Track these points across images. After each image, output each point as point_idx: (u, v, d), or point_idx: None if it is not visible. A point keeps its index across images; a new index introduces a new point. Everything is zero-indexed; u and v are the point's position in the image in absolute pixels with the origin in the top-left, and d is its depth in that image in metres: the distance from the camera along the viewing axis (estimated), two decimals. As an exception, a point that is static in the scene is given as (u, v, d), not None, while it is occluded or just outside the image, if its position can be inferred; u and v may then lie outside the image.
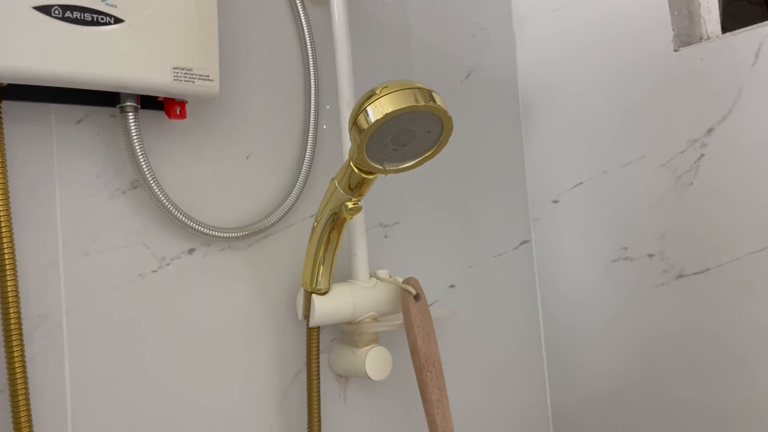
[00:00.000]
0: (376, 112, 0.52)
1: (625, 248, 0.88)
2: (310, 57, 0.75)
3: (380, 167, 0.57)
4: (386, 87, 0.53)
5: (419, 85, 0.53)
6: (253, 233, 0.69)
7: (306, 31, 0.75)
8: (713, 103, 0.78)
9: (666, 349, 0.84)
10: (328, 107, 0.78)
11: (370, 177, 0.60)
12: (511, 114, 0.99)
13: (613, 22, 0.88)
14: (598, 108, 0.90)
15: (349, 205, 0.62)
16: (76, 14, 0.52)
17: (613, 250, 0.89)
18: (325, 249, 0.67)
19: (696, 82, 0.79)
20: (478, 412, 0.90)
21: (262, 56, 0.73)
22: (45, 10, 0.50)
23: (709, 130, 0.78)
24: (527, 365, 0.96)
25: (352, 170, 0.60)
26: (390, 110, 0.51)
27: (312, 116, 0.75)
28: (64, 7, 0.51)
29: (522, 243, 0.98)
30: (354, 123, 0.54)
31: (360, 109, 0.53)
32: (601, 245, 0.91)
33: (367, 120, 0.53)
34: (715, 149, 0.78)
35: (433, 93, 0.53)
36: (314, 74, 0.75)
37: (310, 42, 0.75)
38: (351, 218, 0.64)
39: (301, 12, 0.75)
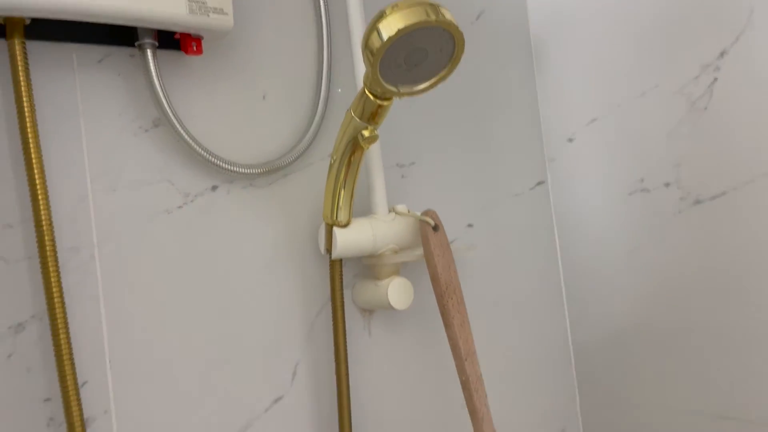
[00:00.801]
0: (387, 30, 0.53)
1: (642, 180, 0.88)
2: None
3: (394, 89, 0.58)
4: (395, 6, 0.54)
5: (429, 1, 0.54)
6: (273, 170, 0.70)
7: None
8: (724, 25, 0.78)
9: (686, 276, 0.84)
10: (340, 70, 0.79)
11: (385, 103, 0.61)
12: (522, 53, 0.99)
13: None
14: (608, 40, 0.90)
15: (366, 133, 0.63)
16: (93, -53, 0.53)
17: (629, 183, 0.89)
18: (344, 181, 0.68)
19: (706, 4, 0.79)
20: (498, 350, 0.91)
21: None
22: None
23: (722, 54, 0.78)
24: (547, 302, 0.97)
25: (367, 97, 0.61)
26: (402, 26, 0.52)
27: (326, 53, 0.76)
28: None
29: (538, 183, 0.99)
30: (366, 44, 0.55)
31: (372, 29, 0.54)
32: (617, 179, 0.91)
33: (379, 38, 0.54)
34: (728, 72, 0.78)
35: (441, 8, 0.54)
36: (326, 14, 0.76)
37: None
38: (368, 147, 0.65)
39: (309, -47, 0.76)
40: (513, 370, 0.92)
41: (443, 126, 0.89)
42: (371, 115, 0.62)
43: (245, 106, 0.72)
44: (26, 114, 0.54)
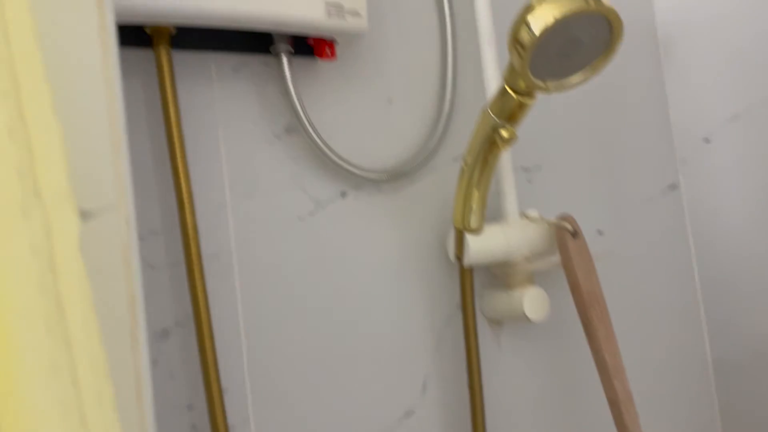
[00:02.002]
0: (541, 20, 0.50)
1: (795, 181, 0.80)
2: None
3: (542, 84, 0.55)
4: (544, -4, 0.51)
5: (582, -12, 0.50)
6: (400, 175, 0.68)
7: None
8: None
9: None
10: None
11: (528, 101, 0.58)
12: (649, 48, 0.93)
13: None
14: (748, 32, 0.83)
15: (504, 134, 0.60)
16: (238, -47, 0.53)
17: (779, 185, 0.82)
18: (478, 184, 0.65)
19: None
20: (630, 366, 0.85)
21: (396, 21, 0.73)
22: (210, -50, 0.52)
23: None
24: (682, 316, 0.90)
25: (508, 94, 0.58)
26: (559, 15, 0.49)
27: (450, 55, 0.73)
28: (227, -53, 0.53)
29: (670, 187, 0.92)
30: (516, 37, 0.52)
31: (521, 21, 0.51)
32: (761, 182, 0.83)
33: (530, 31, 0.50)
34: None
35: (600, -6, 0.50)
36: (449, 11, 0.74)
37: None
38: (506, 149, 0.62)
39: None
40: (647, 387, 0.85)
41: (568, 127, 0.84)
42: (511, 113, 0.59)
43: (372, 110, 0.70)
44: (173, 124, 0.55)
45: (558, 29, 0.50)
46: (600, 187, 0.86)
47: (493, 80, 0.70)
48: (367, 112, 0.70)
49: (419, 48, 0.74)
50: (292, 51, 0.61)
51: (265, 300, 0.62)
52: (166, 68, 0.55)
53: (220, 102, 0.62)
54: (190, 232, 0.55)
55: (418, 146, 0.72)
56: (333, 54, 0.63)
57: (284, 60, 0.61)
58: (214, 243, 0.60)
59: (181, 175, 0.55)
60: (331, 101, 0.68)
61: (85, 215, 0.32)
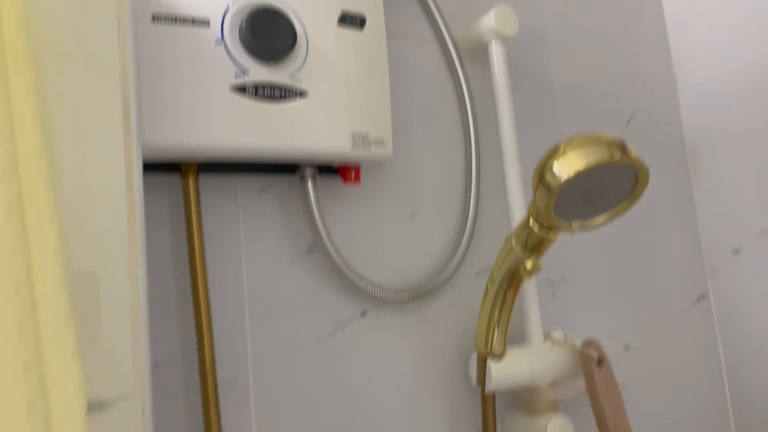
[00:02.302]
0: (566, 169, 0.49)
1: (832, 303, 0.77)
2: (470, 113, 0.74)
3: (567, 224, 0.54)
4: (571, 142, 0.51)
5: (608, 137, 0.50)
6: (422, 294, 0.68)
7: (465, 89, 0.74)
8: None
9: None
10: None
11: (552, 236, 0.57)
12: (677, 159, 0.92)
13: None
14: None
15: (528, 265, 0.59)
16: (267, 91, 0.54)
17: (815, 306, 0.79)
18: (500, 311, 0.64)
19: None
20: (661, 488, 0.81)
21: (423, 114, 0.74)
22: (240, 89, 0.53)
23: None
24: (713, 427, 0.86)
25: (531, 229, 0.57)
26: (582, 167, 0.49)
27: (473, 173, 0.74)
28: (257, 85, 0.54)
29: (699, 298, 0.89)
30: (541, 181, 0.52)
31: (547, 166, 0.51)
32: (795, 299, 0.81)
33: (555, 177, 0.50)
34: None
35: (627, 145, 0.50)
36: (474, 131, 0.74)
37: (469, 99, 0.74)
38: (529, 279, 0.61)
39: (459, 71, 0.75)
40: None
41: (594, 237, 0.83)
42: (535, 245, 0.59)
43: (395, 227, 0.70)
44: (196, 253, 0.55)
45: (583, 178, 0.50)
46: (627, 299, 0.84)
47: (516, 200, 0.70)
48: (391, 228, 0.70)
49: (444, 164, 0.74)
50: (316, 174, 0.61)
51: (280, 425, 0.60)
52: (192, 197, 0.56)
53: (245, 222, 0.62)
54: (207, 361, 0.55)
55: (441, 263, 0.72)
56: (358, 178, 0.63)
57: (309, 184, 0.61)
58: (232, 368, 0.59)
59: (202, 304, 0.55)
60: (354, 220, 0.68)
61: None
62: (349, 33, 0.60)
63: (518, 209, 0.70)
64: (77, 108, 0.34)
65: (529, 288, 0.70)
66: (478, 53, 0.76)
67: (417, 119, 0.73)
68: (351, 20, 0.60)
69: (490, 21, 0.72)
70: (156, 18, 0.51)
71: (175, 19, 0.51)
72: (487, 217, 0.75)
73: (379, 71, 0.61)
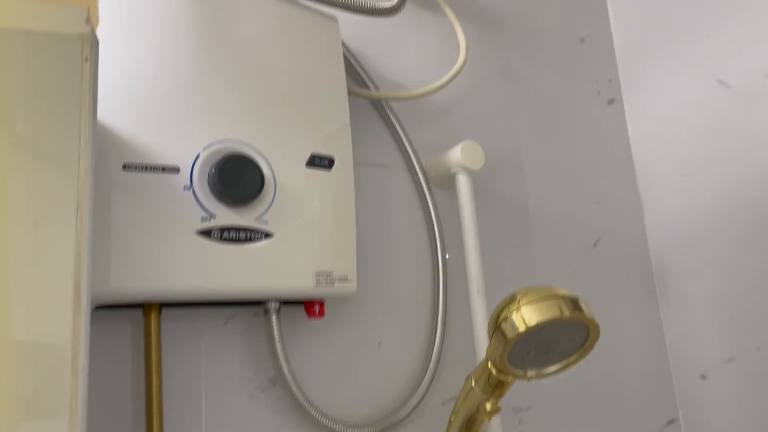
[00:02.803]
0: (518, 324, 0.51)
1: (797, 438, 0.77)
2: (438, 243, 0.76)
3: (522, 373, 0.55)
4: (526, 295, 0.52)
5: (563, 292, 0.52)
6: (387, 428, 0.67)
7: (434, 219, 0.77)
8: None
9: None
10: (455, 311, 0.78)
11: (510, 379, 0.58)
12: (644, 282, 0.94)
13: (746, 189, 0.84)
14: (743, 276, 0.84)
15: (488, 407, 0.59)
16: (233, 234, 0.56)
17: (781, 439, 0.79)
18: (462, 449, 0.63)
19: None
20: None
21: (392, 242, 0.75)
22: (206, 233, 0.55)
23: None
24: None
25: (490, 371, 0.58)
26: (534, 323, 0.50)
27: (441, 301, 0.75)
28: (223, 229, 0.56)
29: (669, 422, 0.89)
30: (496, 330, 0.53)
31: (501, 317, 0.52)
32: (756, 420, 0.80)
33: (510, 329, 0.51)
34: None
35: (579, 301, 0.51)
36: (442, 260, 0.76)
37: (438, 228, 0.77)
38: (489, 420, 0.61)
39: (429, 200, 0.77)
40: None
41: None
42: (494, 387, 0.59)
43: (361, 356, 0.70)
44: (153, 397, 0.55)
45: (536, 332, 0.51)
46: (595, 425, 0.83)
47: (481, 331, 0.71)
48: (357, 357, 0.70)
49: (412, 292, 0.75)
50: (280, 308, 0.62)
51: None
52: (153, 336, 0.56)
53: (207, 354, 0.62)
54: (158, 506, 0.54)
55: (407, 392, 0.72)
56: (322, 313, 0.64)
57: (273, 317, 0.62)
58: None
59: (155, 440, 0.55)
60: (319, 351, 0.68)
61: None
62: (318, 173, 0.62)
63: (483, 340, 0.71)
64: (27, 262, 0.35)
65: (494, 421, 0.70)
66: (448, 182, 0.79)
67: (385, 247, 0.75)
68: (320, 161, 0.62)
69: (456, 155, 0.75)
70: (127, 167, 0.53)
71: (146, 168, 0.53)
72: (454, 345, 0.75)
73: (346, 209, 0.63)
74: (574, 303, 0.51)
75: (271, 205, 0.58)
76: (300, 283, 0.59)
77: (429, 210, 0.77)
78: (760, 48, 0.83)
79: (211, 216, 0.55)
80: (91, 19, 0.40)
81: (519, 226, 0.86)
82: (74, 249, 0.36)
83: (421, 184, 0.78)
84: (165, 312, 0.61)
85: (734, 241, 0.85)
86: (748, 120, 0.84)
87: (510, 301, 0.53)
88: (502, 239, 0.83)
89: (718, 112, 0.87)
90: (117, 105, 0.53)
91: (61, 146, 0.37)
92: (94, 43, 0.39)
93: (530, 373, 0.55)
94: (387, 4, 0.74)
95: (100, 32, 0.51)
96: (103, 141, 0.52)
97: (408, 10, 0.84)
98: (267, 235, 0.58)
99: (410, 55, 0.83)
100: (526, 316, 0.51)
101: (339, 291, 0.61)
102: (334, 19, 0.69)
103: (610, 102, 1.00)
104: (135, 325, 0.60)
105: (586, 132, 0.95)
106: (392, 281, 0.74)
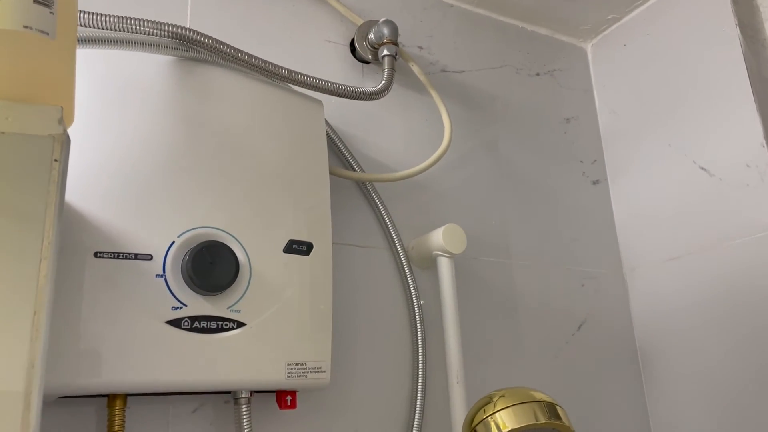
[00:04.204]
0: (493, 428, 0.49)
1: None
2: (419, 330, 0.75)
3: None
4: (503, 398, 0.51)
5: (540, 396, 0.50)
6: None
7: (416, 305, 0.76)
8: None
9: None
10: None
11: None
12: (629, 364, 0.92)
13: (731, 276, 0.83)
14: (729, 360, 0.82)
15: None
16: (203, 323, 0.55)
17: None
18: None
19: None
20: None
21: (370, 327, 0.74)
22: (176, 323, 0.53)
23: None
24: None
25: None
26: (508, 429, 0.48)
27: (419, 388, 0.73)
28: (193, 318, 0.54)
29: None
30: (471, 429, 0.51)
31: (477, 420, 0.51)
32: None
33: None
34: None
35: (556, 407, 0.50)
36: (422, 345, 0.74)
37: (419, 315, 0.75)
38: None
39: (410, 282, 0.76)
40: None
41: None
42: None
43: (334, 446, 0.68)
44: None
45: None
46: None
47: (459, 421, 0.69)
48: (329, 446, 0.68)
49: (390, 378, 0.73)
50: (250, 398, 0.60)
51: None
52: (117, 426, 0.54)
53: (173, 445, 0.60)
54: None
55: (380, 484, 0.69)
56: (294, 404, 0.62)
57: (243, 408, 0.60)
58: None
59: None
60: (291, 438, 0.66)
61: None
62: (295, 259, 0.61)
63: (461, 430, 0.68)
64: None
65: None
66: (430, 263, 0.78)
67: (363, 330, 0.73)
68: (298, 247, 0.62)
69: (438, 238, 0.74)
70: (99, 254, 0.52)
71: (118, 255, 0.52)
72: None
73: (323, 296, 0.62)
74: (551, 409, 0.50)
75: (245, 293, 0.57)
76: (271, 374, 0.57)
77: (410, 293, 0.76)
78: (742, 138, 0.84)
79: (182, 305, 0.54)
80: (64, 119, 0.40)
81: (502, 309, 0.84)
82: (27, 358, 0.35)
83: (402, 265, 0.77)
84: (131, 398, 0.59)
85: (720, 326, 0.84)
86: (730, 208, 0.84)
87: (486, 402, 0.52)
88: (484, 322, 0.82)
89: (702, 198, 0.88)
90: (92, 190, 0.53)
91: (22, 249, 0.36)
92: (65, 143, 0.39)
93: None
94: (372, 89, 0.75)
95: (78, 115, 0.51)
96: (75, 227, 0.52)
97: (394, 90, 0.85)
98: (239, 325, 0.56)
99: (395, 134, 0.84)
100: (500, 422, 0.49)
101: (312, 383, 0.60)
102: (318, 103, 0.69)
103: (595, 182, 1.00)
104: (100, 409, 0.58)
105: (571, 212, 0.96)
106: (369, 366, 0.73)
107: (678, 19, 0.94)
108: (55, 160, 0.38)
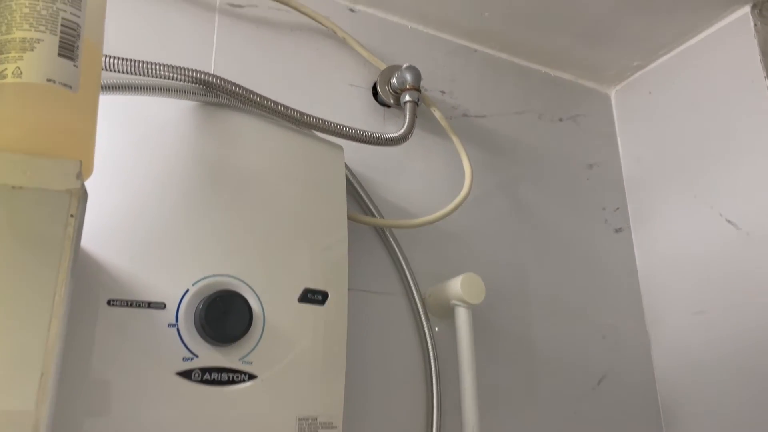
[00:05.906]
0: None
1: None
2: (434, 382, 0.73)
3: None
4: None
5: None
6: None
7: (432, 356, 0.74)
8: None
9: None
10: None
11: None
12: (651, 424, 0.89)
13: (758, 333, 0.80)
14: (754, 419, 0.79)
15: None
16: (215, 375, 0.53)
17: None
18: None
19: None
20: None
21: (384, 377, 0.72)
22: (186, 374, 0.52)
23: None
24: None
25: None
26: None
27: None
28: (204, 370, 0.53)
29: None
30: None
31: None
32: None
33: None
34: None
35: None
36: (437, 401, 0.72)
37: (435, 367, 0.73)
38: None
39: (426, 331, 0.75)
40: None
41: None
42: None
43: (343, 502, 0.66)
44: None
45: None
46: None
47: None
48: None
49: (401, 416, 0.71)
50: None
51: None
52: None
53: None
54: None
55: None
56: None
57: (251, 461, 0.58)
58: None
59: None
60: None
61: None
62: (310, 309, 0.60)
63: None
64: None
65: None
66: (447, 312, 0.77)
67: (377, 380, 0.72)
68: (313, 296, 0.60)
69: (456, 287, 0.73)
70: (112, 302, 0.51)
71: (131, 303, 0.52)
72: (444, 491, 0.71)
73: (336, 347, 0.61)
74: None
75: (257, 344, 0.56)
76: (281, 430, 0.55)
77: (426, 343, 0.75)
78: (770, 192, 0.82)
79: (194, 356, 0.53)
80: (83, 172, 0.40)
81: (520, 362, 0.82)
82: (33, 420, 0.34)
83: (419, 313, 0.76)
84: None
85: (746, 384, 0.81)
86: (758, 263, 0.82)
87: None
88: (502, 375, 0.80)
89: (727, 252, 0.85)
90: (107, 237, 0.52)
91: (32, 306, 0.36)
92: (83, 198, 0.38)
93: None
94: (394, 134, 0.74)
95: (96, 160, 0.51)
96: (89, 274, 0.51)
97: (415, 134, 0.84)
98: (251, 377, 0.55)
99: (416, 179, 0.83)
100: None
101: (323, 437, 0.58)
102: (339, 148, 0.69)
103: (618, 230, 0.98)
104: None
105: (592, 261, 0.94)
106: (382, 418, 0.71)
107: (705, 69, 0.92)
108: (71, 216, 0.38)
